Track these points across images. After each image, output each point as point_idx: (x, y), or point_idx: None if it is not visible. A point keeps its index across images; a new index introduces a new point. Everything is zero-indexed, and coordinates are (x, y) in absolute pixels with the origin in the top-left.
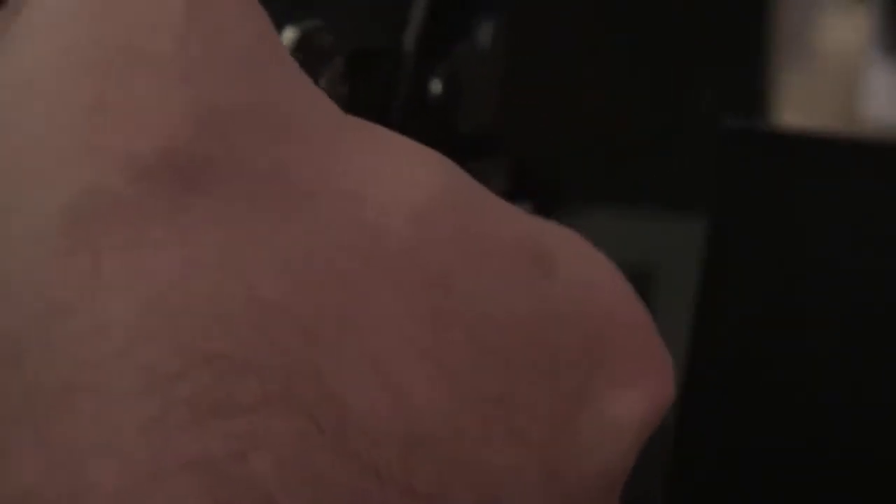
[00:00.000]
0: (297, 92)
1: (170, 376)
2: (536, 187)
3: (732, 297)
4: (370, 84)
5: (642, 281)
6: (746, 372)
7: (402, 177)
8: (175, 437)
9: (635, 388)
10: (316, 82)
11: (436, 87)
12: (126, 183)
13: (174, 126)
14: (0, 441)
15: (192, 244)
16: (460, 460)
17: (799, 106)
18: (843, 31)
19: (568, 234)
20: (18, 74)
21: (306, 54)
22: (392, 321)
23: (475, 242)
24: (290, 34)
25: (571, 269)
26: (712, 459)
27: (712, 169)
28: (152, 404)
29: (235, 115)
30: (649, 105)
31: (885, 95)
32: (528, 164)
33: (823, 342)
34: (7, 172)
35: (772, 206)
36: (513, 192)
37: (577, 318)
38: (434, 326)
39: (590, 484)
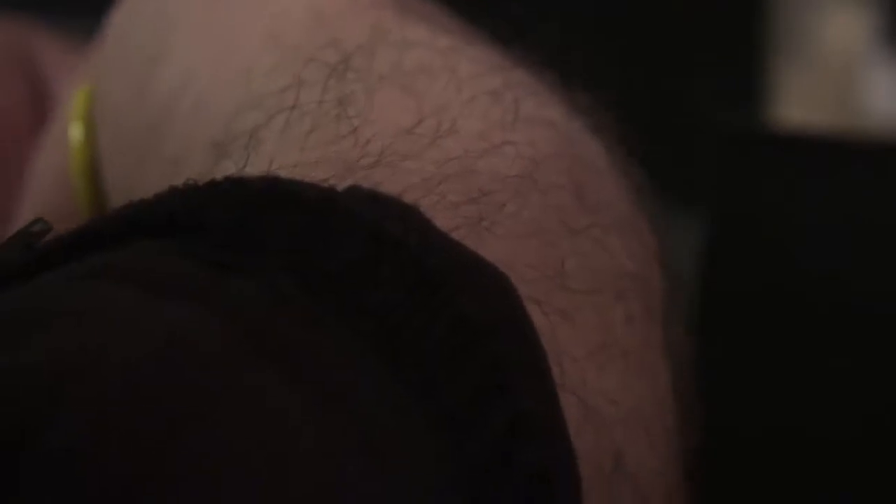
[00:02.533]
0: None
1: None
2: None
3: (732, 296)
4: None
5: None
6: (747, 371)
7: None
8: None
9: None
10: None
11: None
12: None
13: None
14: None
15: None
16: None
17: (799, 104)
18: (843, 29)
19: None
20: None
21: None
22: None
23: None
24: None
25: None
26: (712, 458)
27: (712, 169)
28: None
29: None
30: (649, 105)
31: (886, 92)
32: None
33: (823, 340)
34: None
35: (771, 205)
36: None
37: None
38: None
39: None
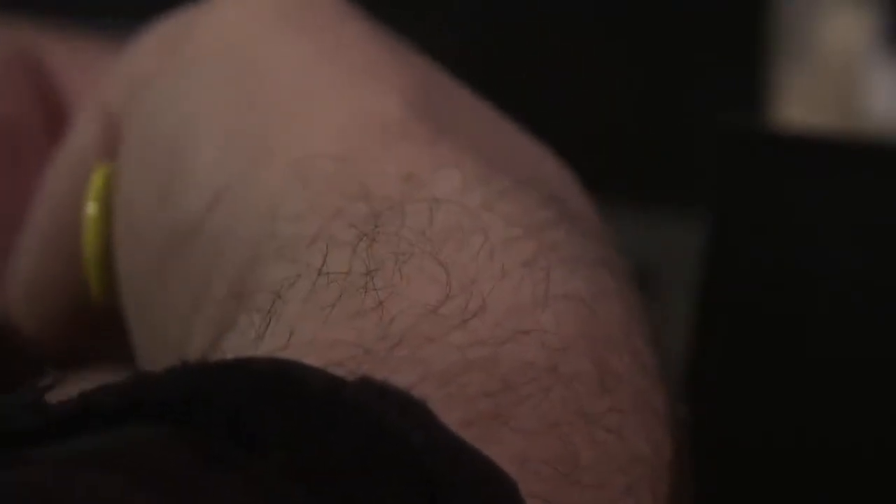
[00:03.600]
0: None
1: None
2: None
3: (733, 297)
4: None
5: (642, 281)
6: (747, 371)
7: None
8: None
9: None
10: None
11: None
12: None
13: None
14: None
15: None
16: None
17: (800, 104)
18: (845, 30)
19: None
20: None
21: None
22: None
23: None
24: None
25: None
26: (712, 458)
27: (712, 169)
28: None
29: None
30: (649, 104)
31: (887, 93)
32: None
33: (824, 341)
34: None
35: (772, 206)
36: None
37: None
38: None
39: None
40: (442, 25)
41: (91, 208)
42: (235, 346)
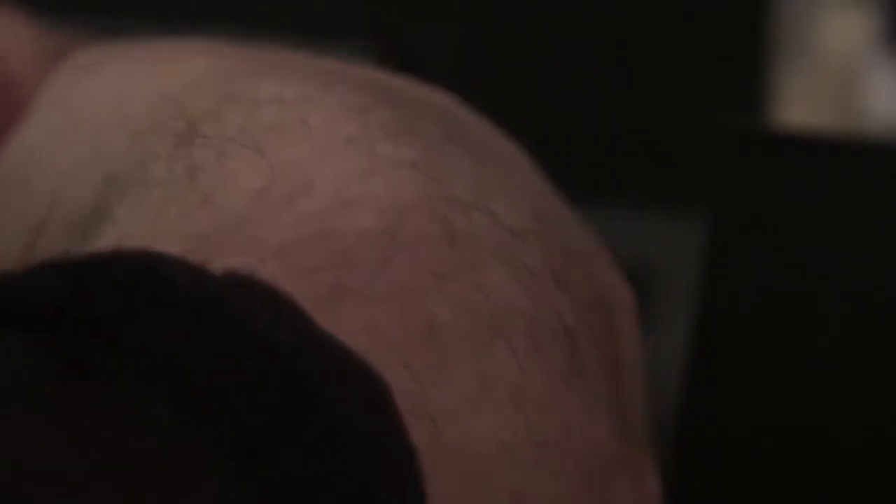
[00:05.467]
0: None
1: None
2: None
3: (733, 297)
4: None
5: (642, 281)
6: (747, 371)
7: None
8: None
9: None
10: None
11: None
12: None
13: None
14: None
15: None
16: None
17: (800, 105)
18: (844, 30)
19: None
20: None
21: None
22: None
23: None
24: None
25: None
26: (713, 458)
27: (712, 169)
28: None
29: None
30: (649, 105)
31: (887, 94)
32: None
33: (824, 341)
34: None
35: (772, 206)
36: None
37: None
38: None
39: None
40: (442, 27)
41: None
42: None
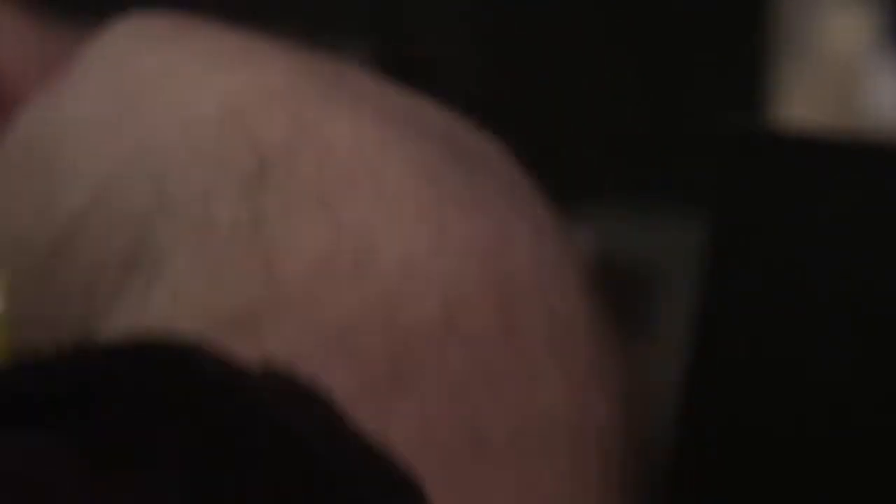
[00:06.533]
0: None
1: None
2: (538, 188)
3: (732, 297)
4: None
5: (642, 281)
6: (747, 371)
7: None
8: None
9: None
10: None
11: None
12: None
13: None
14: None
15: None
16: None
17: (801, 104)
18: (845, 30)
19: None
20: None
21: None
22: None
23: None
24: None
25: None
26: (713, 458)
27: (712, 169)
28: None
29: None
30: (649, 105)
31: (888, 93)
32: (530, 165)
33: (824, 340)
34: None
35: (772, 206)
36: None
37: None
38: None
39: None
40: (444, 29)
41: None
42: (123, 310)
